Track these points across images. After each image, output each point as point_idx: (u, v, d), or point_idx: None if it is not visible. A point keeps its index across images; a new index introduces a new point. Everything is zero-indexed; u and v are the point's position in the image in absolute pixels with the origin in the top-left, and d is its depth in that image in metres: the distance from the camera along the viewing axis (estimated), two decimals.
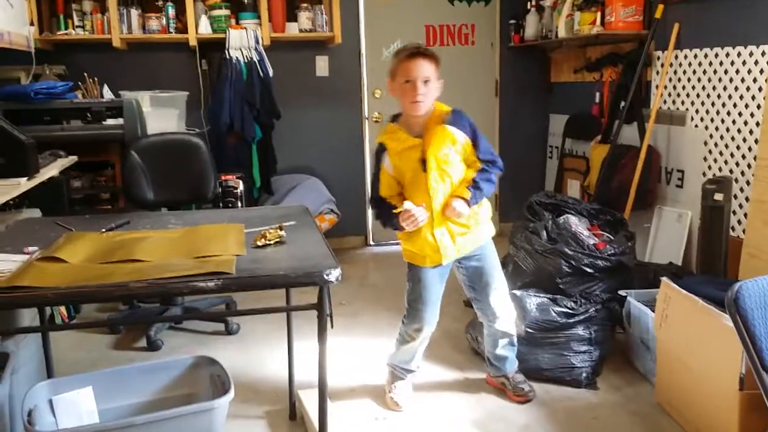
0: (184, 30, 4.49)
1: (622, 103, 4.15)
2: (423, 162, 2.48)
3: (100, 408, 2.12)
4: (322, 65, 5.09)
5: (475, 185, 2.53)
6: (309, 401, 2.57)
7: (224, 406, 1.99)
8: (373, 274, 4.75)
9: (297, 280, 1.78)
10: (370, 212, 5.34)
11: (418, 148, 2.48)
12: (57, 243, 2.01)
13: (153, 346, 3.33)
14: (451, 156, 2.49)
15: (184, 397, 2.18)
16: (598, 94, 4.57)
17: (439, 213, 2.52)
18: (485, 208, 2.66)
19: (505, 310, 2.76)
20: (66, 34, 4.40)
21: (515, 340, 2.86)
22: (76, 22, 4.43)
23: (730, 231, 3.33)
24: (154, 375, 2.23)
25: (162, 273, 1.71)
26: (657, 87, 3.99)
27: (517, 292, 3.01)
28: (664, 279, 2.69)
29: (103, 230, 2.19)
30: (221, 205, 4.19)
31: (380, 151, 2.57)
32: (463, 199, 2.50)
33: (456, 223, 2.56)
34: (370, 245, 5.41)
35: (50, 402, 2.06)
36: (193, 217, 2.48)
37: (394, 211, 2.48)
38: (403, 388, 2.85)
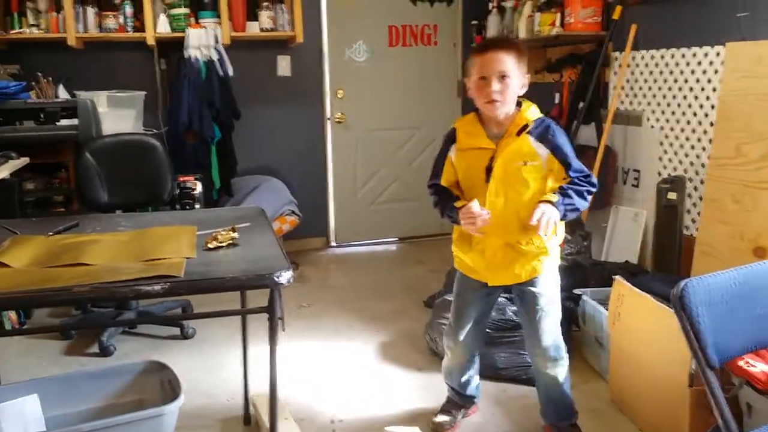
0: (141, 29, 4.40)
1: (581, 104, 4.19)
2: (488, 171, 2.16)
3: (47, 415, 2.06)
4: (283, 65, 5.05)
5: (562, 192, 2.11)
6: (263, 406, 2.54)
7: (173, 412, 1.95)
8: (335, 275, 4.73)
9: (247, 283, 1.76)
10: (332, 209, 5.33)
11: (488, 154, 2.17)
12: (2, 247, 1.96)
13: (105, 352, 3.26)
14: (524, 172, 2.14)
15: (134, 403, 2.12)
16: (557, 95, 4.61)
17: (492, 230, 2.17)
18: (558, 235, 2.25)
19: (551, 347, 2.35)
20: (20, 32, 4.30)
21: (565, 387, 2.43)
22: (31, 21, 4.32)
23: (684, 230, 3.39)
24: (102, 381, 2.18)
25: (109, 277, 1.68)
26: (614, 87, 4.04)
27: None
28: (617, 277, 2.72)
29: (50, 233, 2.13)
30: (179, 207, 4.13)
31: (450, 136, 2.27)
32: (549, 203, 2.07)
33: (517, 243, 2.20)
34: (332, 246, 5.37)
35: None
36: (144, 219, 2.43)
37: (456, 204, 2.19)
38: (447, 408, 2.64)
